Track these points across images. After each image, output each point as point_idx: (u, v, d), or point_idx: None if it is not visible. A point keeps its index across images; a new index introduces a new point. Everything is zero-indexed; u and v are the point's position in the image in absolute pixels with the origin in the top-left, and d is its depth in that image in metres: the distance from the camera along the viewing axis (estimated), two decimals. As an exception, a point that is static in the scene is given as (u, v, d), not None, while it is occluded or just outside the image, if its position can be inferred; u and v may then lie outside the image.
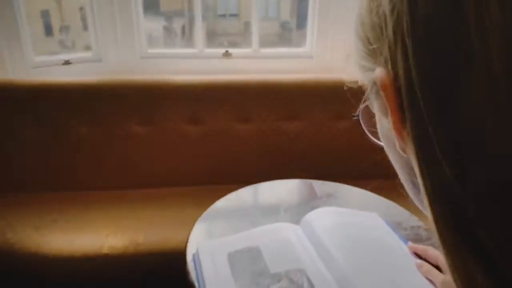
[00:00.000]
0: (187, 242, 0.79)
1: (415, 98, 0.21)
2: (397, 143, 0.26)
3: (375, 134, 0.40)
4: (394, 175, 0.34)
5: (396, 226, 0.82)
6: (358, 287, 0.61)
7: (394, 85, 0.23)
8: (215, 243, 0.73)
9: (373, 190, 1.20)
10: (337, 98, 1.57)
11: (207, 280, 0.64)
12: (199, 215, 1.34)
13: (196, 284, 0.65)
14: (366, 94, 0.32)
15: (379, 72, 0.24)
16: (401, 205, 1.30)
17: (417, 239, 0.79)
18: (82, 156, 1.55)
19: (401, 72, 0.22)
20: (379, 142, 0.37)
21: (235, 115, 1.55)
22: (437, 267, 0.66)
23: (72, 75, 1.61)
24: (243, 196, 0.95)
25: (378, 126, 0.32)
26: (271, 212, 0.88)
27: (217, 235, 0.80)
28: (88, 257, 1.23)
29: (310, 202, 0.92)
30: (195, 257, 0.70)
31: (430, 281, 0.64)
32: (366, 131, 0.40)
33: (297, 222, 0.83)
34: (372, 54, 0.25)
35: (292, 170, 1.62)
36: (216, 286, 0.62)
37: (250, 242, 0.72)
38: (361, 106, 0.38)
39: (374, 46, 0.25)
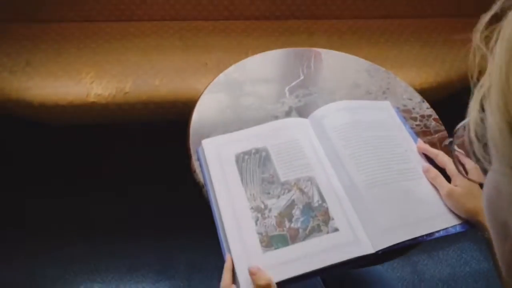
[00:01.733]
0: (191, 113, 0.73)
1: None
2: None
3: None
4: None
5: (406, 116, 0.79)
6: (367, 200, 0.62)
7: None
8: (220, 141, 0.69)
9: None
10: None
11: (216, 188, 0.62)
12: (190, 65, 1.25)
13: (205, 187, 0.65)
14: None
15: None
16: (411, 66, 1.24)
17: (426, 132, 0.77)
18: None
19: None
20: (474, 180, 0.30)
21: None
22: (445, 175, 0.66)
23: None
24: (240, 72, 0.86)
25: (492, 207, 0.25)
26: (275, 95, 0.81)
27: (219, 122, 0.75)
28: (75, 105, 1.18)
29: (317, 80, 0.84)
30: (200, 155, 0.68)
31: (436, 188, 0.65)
32: (459, 167, 0.32)
33: (304, 108, 0.78)
34: None
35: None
36: (227, 195, 0.62)
37: (257, 142, 0.68)
38: (459, 127, 0.29)
39: None
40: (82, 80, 1.20)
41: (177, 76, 1.23)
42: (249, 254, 0.56)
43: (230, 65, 1.29)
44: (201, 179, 0.66)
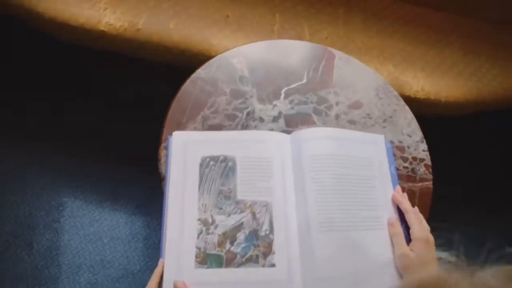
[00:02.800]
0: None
1: None
2: None
3: None
4: None
5: (398, 154, 0.74)
6: (314, 244, 0.60)
7: None
8: (192, 137, 0.66)
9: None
10: None
11: (171, 189, 0.61)
12: (210, 14, 1.16)
13: (165, 180, 0.63)
14: None
15: None
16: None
17: (411, 178, 0.72)
18: None
19: None
20: None
21: None
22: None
23: None
24: (241, 57, 0.80)
25: None
26: (269, 93, 0.75)
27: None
28: (84, 29, 1.14)
29: (320, 88, 0.78)
30: (168, 146, 0.66)
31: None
32: None
33: (294, 118, 0.73)
34: None
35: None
36: (179, 199, 0.61)
37: (228, 150, 0.65)
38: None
39: None
40: (96, 4, 1.14)
41: (194, 24, 1.16)
42: (181, 266, 0.57)
43: (253, 23, 1.21)
44: (163, 171, 0.65)
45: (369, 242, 0.62)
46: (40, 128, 1.39)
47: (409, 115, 0.78)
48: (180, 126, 0.69)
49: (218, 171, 0.64)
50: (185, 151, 0.65)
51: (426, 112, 1.17)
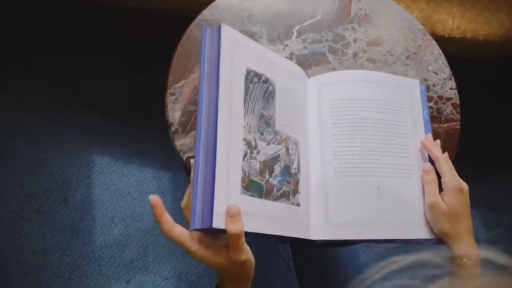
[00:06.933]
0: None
1: None
2: None
3: None
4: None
5: (431, 94, 0.67)
6: (329, 188, 0.57)
7: None
8: (242, 40, 0.54)
9: None
10: None
11: (222, 90, 0.48)
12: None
13: (200, 79, 0.49)
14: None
15: None
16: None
17: (435, 119, 0.66)
18: None
19: None
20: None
21: None
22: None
23: None
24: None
25: None
26: (279, 33, 0.70)
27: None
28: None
29: (335, 24, 0.72)
30: (207, 37, 0.50)
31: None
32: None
33: (307, 58, 0.68)
34: None
35: None
36: (228, 107, 0.49)
37: (270, 71, 0.56)
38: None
39: None
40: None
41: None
42: (229, 186, 0.46)
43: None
44: (170, 119, 0.63)
45: (396, 190, 0.59)
46: (58, 88, 1.41)
47: (436, 50, 0.71)
48: (186, 71, 0.66)
49: (261, 92, 0.55)
50: (233, 54, 0.51)
51: (460, 53, 1.07)
